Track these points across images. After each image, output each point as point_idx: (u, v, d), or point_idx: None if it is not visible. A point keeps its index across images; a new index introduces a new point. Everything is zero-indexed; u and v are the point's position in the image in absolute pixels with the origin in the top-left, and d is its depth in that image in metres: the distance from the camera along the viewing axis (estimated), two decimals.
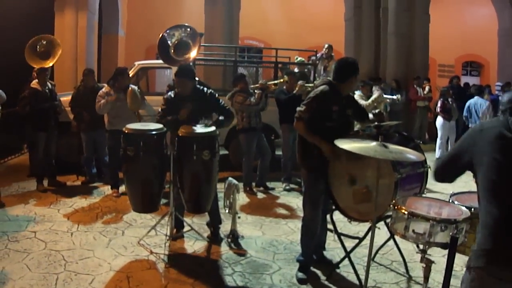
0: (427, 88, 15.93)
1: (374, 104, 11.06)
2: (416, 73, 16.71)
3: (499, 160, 2.83)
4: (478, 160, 2.92)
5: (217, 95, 6.53)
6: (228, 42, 15.15)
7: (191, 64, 7.89)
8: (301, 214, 6.68)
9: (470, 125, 13.43)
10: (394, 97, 12.01)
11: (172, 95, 6.43)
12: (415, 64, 17.30)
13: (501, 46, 20.33)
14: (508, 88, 15.34)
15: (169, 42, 8.04)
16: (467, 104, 14.08)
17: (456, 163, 3.10)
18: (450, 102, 13.81)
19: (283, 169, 9.90)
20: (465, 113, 14.04)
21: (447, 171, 3.20)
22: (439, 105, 13.90)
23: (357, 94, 11.33)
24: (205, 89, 6.50)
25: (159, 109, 6.41)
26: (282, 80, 9.72)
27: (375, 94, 11.35)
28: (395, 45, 17.15)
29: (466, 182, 4.38)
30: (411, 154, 4.29)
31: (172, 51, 8.03)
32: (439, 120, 13.74)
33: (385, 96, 11.86)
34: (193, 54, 8.12)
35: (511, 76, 18.05)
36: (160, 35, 8.08)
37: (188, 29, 8.25)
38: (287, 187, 9.66)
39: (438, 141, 13.55)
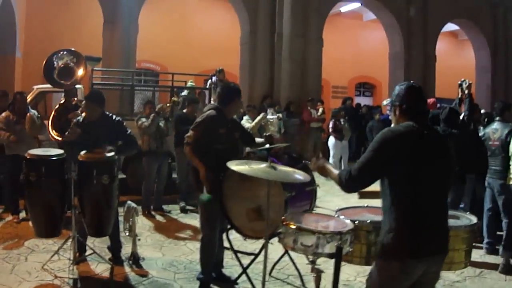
0: (320, 110, 16.46)
1: (257, 126, 11.58)
2: (310, 96, 17.29)
3: (420, 159, 3.34)
4: (397, 163, 3.33)
5: (124, 123, 6.73)
6: (126, 65, 15.20)
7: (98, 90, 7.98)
8: (199, 234, 6.91)
9: None
10: (275, 116, 12.66)
11: (81, 120, 6.56)
12: (308, 87, 17.93)
13: (392, 69, 21.46)
14: None
15: (54, 65, 8.12)
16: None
17: (375, 169, 3.41)
18: (342, 123, 14.44)
19: (179, 191, 10.15)
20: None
21: (364, 179, 3.45)
22: (330, 125, 14.48)
23: (245, 119, 11.77)
24: (114, 116, 6.69)
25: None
26: (168, 103, 9.94)
27: (259, 117, 11.86)
28: (289, 69, 17.73)
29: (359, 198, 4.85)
30: (299, 175, 4.63)
31: (56, 74, 8.10)
32: (331, 140, 14.32)
33: (268, 117, 12.45)
34: (77, 78, 8.26)
35: None
36: (46, 58, 8.16)
37: (72, 56, 8.34)
38: (182, 204, 9.91)
39: (331, 160, 13.95)
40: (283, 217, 4.20)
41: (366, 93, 27.61)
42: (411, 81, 3.72)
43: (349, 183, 3.49)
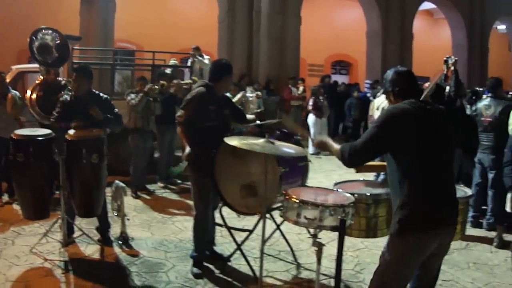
0: (301, 88, 16.50)
1: (238, 104, 11.68)
2: (288, 74, 17.29)
3: (427, 133, 3.38)
4: (406, 138, 3.35)
5: (111, 101, 6.64)
6: (104, 45, 15.07)
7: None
8: (186, 212, 6.80)
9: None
10: (253, 94, 12.74)
11: (68, 98, 6.41)
12: (287, 65, 17.89)
13: (369, 46, 21.49)
14: (377, 86, 16.33)
15: (34, 43, 8.09)
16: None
17: (380, 144, 3.43)
18: (322, 100, 14.50)
19: (157, 169, 10.21)
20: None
21: (368, 154, 3.50)
22: (310, 103, 14.56)
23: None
24: (101, 94, 6.63)
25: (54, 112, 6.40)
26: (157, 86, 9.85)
27: (238, 95, 11.90)
28: (267, 47, 17.64)
29: (341, 174, 4.79)
30: (295, 149, 4.62)
31: (36, 53, 8.04)
32: (311, 118, 14.40)
33: (247, 95, 12.54)
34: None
35: (379, 74, 19.08)
36: (29, 37, 8.14)
37: (53, 33, 8.30)
38: (161, 185, 9.98)
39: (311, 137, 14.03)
40: (284, 192, 4.17)
41: (342, 71, 27.68)
42: (398, 66, 3.82)
43: (352, 158, 3.51)
